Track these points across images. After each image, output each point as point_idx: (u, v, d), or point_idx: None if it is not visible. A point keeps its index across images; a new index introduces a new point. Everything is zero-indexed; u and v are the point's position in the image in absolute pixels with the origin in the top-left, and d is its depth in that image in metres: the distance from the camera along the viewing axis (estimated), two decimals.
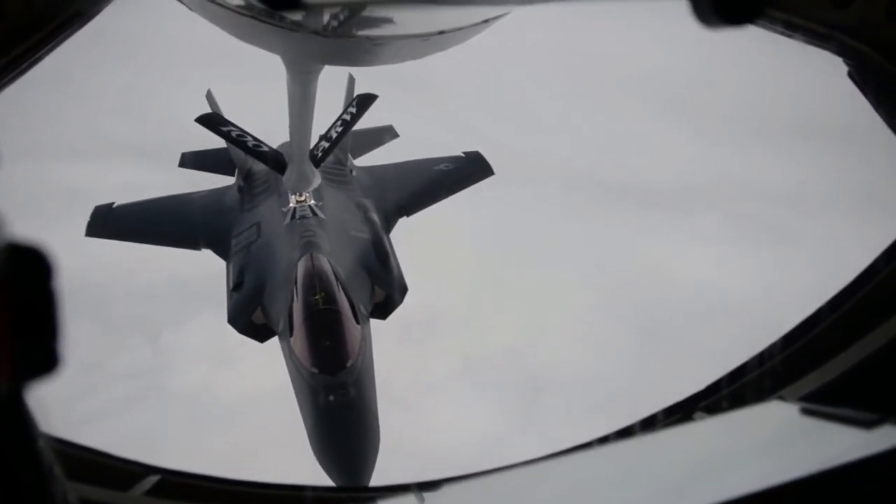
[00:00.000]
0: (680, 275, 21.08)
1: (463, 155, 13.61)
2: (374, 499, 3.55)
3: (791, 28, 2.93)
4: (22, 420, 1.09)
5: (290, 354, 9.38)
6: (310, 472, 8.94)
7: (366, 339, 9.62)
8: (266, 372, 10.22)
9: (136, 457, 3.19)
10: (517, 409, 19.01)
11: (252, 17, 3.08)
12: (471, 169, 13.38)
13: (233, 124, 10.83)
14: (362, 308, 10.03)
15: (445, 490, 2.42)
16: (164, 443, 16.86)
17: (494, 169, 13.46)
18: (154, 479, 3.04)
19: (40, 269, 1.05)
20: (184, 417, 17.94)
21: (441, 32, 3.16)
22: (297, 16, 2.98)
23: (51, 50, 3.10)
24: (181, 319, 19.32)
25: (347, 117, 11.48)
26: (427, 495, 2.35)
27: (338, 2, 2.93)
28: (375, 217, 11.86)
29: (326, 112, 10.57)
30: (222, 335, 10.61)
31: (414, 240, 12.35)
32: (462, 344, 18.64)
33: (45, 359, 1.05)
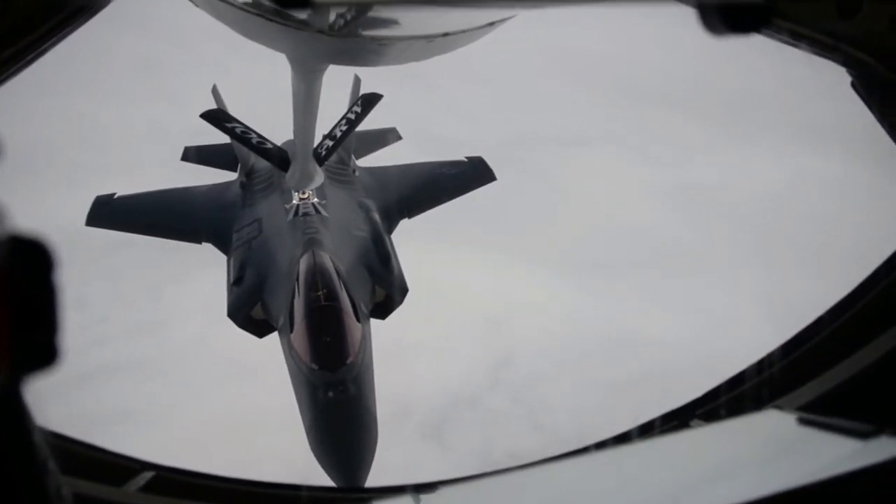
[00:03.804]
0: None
1: (466, 160, 13.61)
2: (369, 499, 3.55)
3: (796, 37, 2.94)
4: (18, 413, 1.09)
5: (289, 350, 9.38)
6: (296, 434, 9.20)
7: (366, 338, 9.61)
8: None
9: (132, 452, 3.20)
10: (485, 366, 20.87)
11: (258, 15, 3.08)
12: (473, 174, 13.37)
13: (237, 121, 10.82)
14: (363, 307, 10.02)
15: (441, 492, 2.41)
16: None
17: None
18: (148, 475, 3.04)
19: (41, 261, 1.05)
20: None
21: (446, 35, 3.15)
22: (303, 15, 2.97)
23: (57, 42, 3.09)
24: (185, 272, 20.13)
25: (352, 116, 11.47)
26: (423, 497, 2.35)
27: (346, 1, 2.91)
28: (377, 217, 11.85)
29: (331, 111, 10.60)
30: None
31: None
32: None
33: (44, 352, 1.05)
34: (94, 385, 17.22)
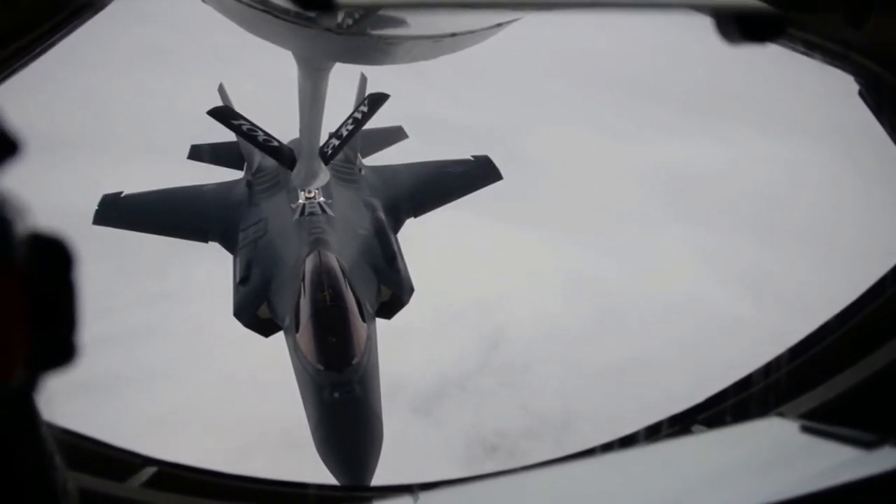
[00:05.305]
0: None
1: (472, 158, 13.59)
2: (371, 498, 3.55)
3: (809, 47, 2.94)
4: (29, 409, 1.09)
5: (295, 350, 9.38)
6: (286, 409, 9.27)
7: (371, 338, 9.60)
8: None
9: (135, 447, 3.21)
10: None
11: (266, 11, 3.07)
12: (480, 172, 13.34)
13: (244, 118, 10.83)
14: (368, 306, 10.02)
15: (442, 492, 2.42)
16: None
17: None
18: (151, 470, 3.05)
19: (61, 260, 1.05)
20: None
21: (453, 35, 3.15)
22: (311, 13, 2.96)
23: (63, 37, 3.10)
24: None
25: (358, 116, 11.46)
26: (423, 496, 2.35)
27: (368, 4, 2.90)
28: (383, 216, 11.84)
29: (338, 110, 10.62)
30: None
31: None
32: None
33: (61, 351, 1.05)
34: (96, 352, 17.54)
